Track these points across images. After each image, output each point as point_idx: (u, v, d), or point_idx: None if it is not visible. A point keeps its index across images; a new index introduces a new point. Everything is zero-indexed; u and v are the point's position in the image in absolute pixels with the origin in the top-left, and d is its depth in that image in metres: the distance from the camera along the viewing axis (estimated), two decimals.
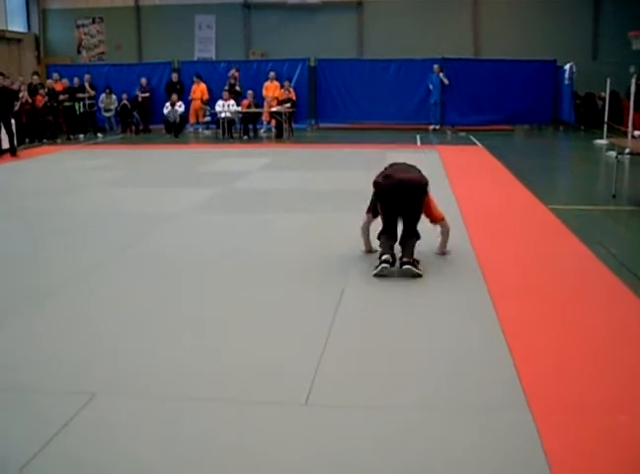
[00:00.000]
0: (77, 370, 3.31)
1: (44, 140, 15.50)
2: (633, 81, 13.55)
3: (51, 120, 15.94)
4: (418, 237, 5.04)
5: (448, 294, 4.44)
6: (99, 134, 17.10)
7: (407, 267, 4.79)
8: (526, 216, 6.94)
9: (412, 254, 4.90)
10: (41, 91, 16.02)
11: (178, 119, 17.17)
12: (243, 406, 2.94)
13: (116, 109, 17.92)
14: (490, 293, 4.37)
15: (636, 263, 5.16)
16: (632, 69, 13.50)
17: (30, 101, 15.39)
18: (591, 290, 4.55)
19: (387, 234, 5.02)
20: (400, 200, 4.97)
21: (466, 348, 3.53)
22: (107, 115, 18.00)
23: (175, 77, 17.98)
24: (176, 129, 17.04)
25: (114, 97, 17.82)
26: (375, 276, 4.77)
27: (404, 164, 5.27)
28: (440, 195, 7.49)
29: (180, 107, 17.23)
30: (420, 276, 4.78)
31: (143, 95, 17.65)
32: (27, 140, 15.16)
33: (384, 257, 4.81)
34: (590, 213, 7.26)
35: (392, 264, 4.82)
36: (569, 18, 19.37)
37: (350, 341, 3.65)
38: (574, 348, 3.54)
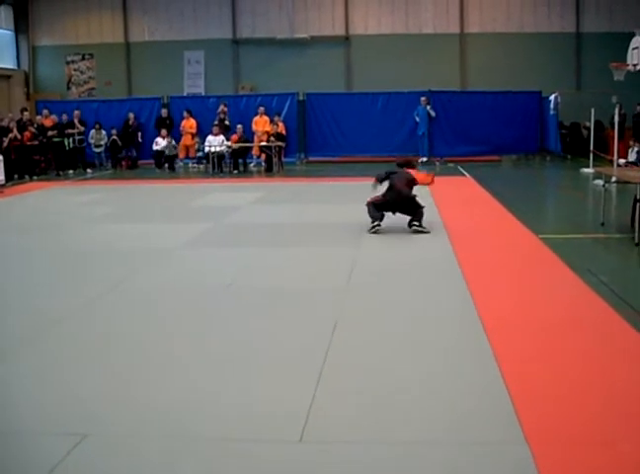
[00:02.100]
0: (67, 411, 3.23)
1: (34, 177, 15.49)
2: (616, 111, 13.79)
3: (39, 158, 15.91)
4: (421, 207, 7.36)
5: (441, 327, 4.42)
6: (88, 170, 17.12)
7: (415, 225, 7.32)
8: (517, 246, 6.96)
9: (420, 218, 7.32)
10: (30, 127, 16.05)
11: (174, 152, 17.31)
12: (237, 445, 2.88)
13: (105, 144, 17.98)
14: (483, 326, 4.35)
15: (626, 290, 5.17)
16: (614, 99, 13.73)
17: (19, 137, 15.41)
18: (583, 319, 4.55)
19: (380, 209, 7.37)
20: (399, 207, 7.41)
21: (462, 381, 3.50)
22: (97, 150, 18.04)
23: (164, 113, 18.08)
24: (170, 162, 17.22)
25: (103, 132, 17.89)
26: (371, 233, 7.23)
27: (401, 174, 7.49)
28: (429, 226, 7.59)
29: (171, 142, 17.34)
30: (427, 232, 7.23)
31: (132, 123, 17.82)
32: (15, 176, 15.12)
33: (376, 221, 7.33)
34: (579, 242, 7.30)
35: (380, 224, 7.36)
36: (553, 50, 19.77)
37: (344, 375, 3.61)
38: (569, 377, 3.52)
